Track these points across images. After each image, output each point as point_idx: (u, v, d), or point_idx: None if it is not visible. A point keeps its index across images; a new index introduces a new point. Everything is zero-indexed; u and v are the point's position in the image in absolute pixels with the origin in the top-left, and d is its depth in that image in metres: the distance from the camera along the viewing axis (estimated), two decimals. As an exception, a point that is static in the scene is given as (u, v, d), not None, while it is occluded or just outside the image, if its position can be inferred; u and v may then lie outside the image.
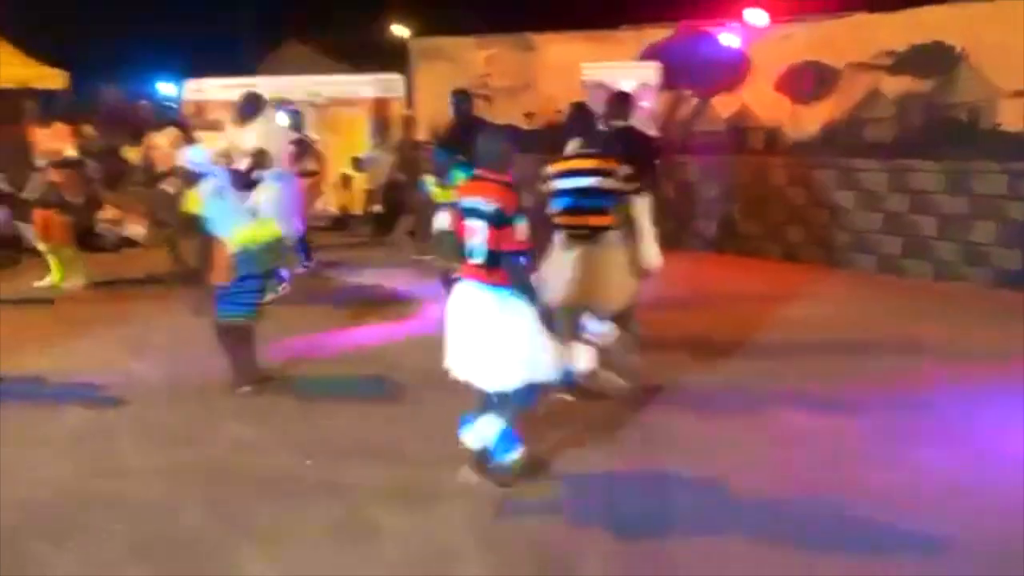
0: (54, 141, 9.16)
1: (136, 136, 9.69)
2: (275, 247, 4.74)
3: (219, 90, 10.36)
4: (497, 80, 10.48)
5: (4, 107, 11.03)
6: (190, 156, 4.79)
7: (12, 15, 12.85)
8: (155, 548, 3.09)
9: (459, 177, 5.14)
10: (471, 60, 10.85)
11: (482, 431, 3.42)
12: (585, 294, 4.21)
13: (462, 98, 6.07)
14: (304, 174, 7.45)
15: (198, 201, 4.77)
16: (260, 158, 5.78)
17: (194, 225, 4.87)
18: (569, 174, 4.25)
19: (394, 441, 3.96)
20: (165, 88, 14.48)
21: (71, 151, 8.75)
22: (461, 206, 3.40)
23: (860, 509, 3.22)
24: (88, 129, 10.02)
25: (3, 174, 6.62)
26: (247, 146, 5.83)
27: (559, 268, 4.22)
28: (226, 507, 3.37)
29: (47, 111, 10.80)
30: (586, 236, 4.22)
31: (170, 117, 10.26)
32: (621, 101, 4.97)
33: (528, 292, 3.33)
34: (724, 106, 11.02)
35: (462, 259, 3.41)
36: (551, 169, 4.32)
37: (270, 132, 6.33)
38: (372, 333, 5.88)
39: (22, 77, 12.26)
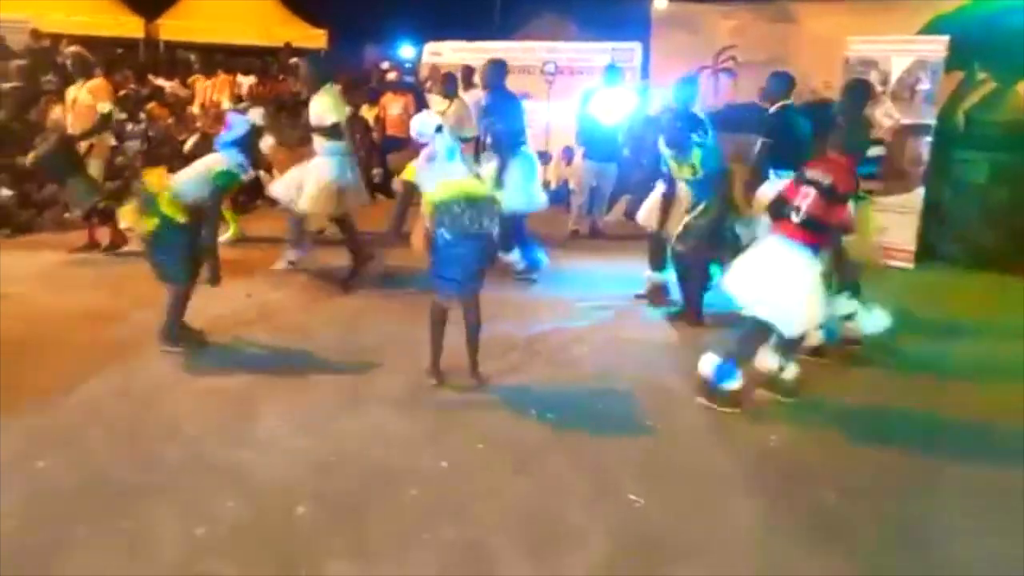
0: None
1: (374, 98, 10.09)
2: (479, 207, 4.17)
3: (454, 53, 10.43)
4: (743, 54, 9.51)
5: (274, 64, 12.01)
6: (417, 127, 4.43)
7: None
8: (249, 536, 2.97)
9: (697, 155, 5.16)
10: (717, 30, 9.97)
11: (763, 362, 4.18)
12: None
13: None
14: None
15: (412, 170, 4.49)
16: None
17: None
18: None
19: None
20: (405, 51, 14.99)
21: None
22: (803, 175, 4.05)
23: None
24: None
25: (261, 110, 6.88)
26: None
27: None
28: (339, 503, 3.20)
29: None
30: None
31: (405, 81, 10.58)
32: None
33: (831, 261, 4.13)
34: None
35: (779, 217, 4.04)
36: None
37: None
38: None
39: (289, 37, 13.30)
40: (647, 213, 5.80)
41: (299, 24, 14.90)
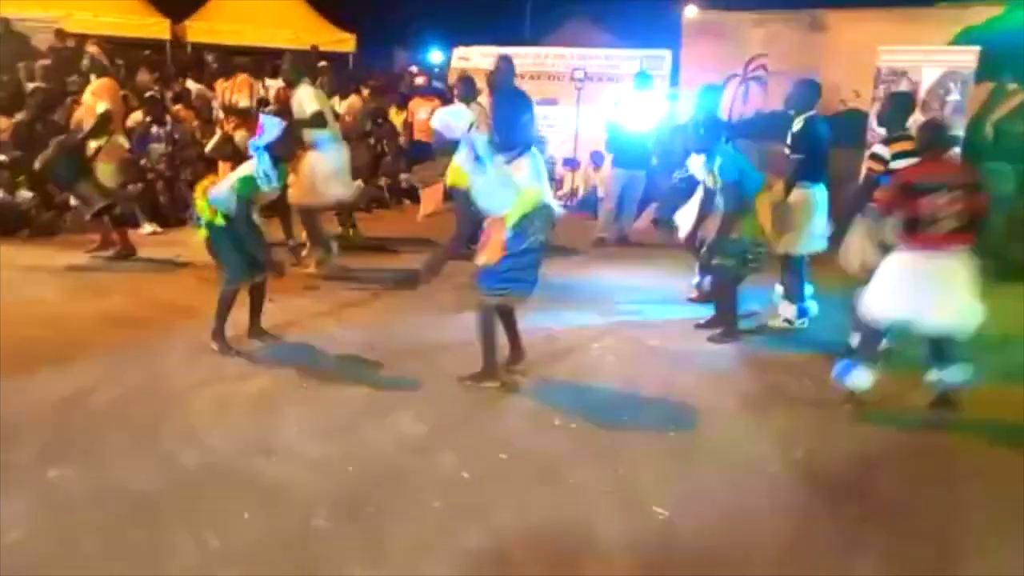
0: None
1: (402, 103, 10.10)
2: (545, 214, 4.24)
3: (483, 58, 10.42)
4: (774, 62, 9.41)
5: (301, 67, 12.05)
6: (443, 121, 4.28)
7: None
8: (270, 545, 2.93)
9: (717, 163, 5.09)
10: (748, 38, 9.88)
11: (952, 374, 4.12)
12: None
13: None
14: None
15: (462, 173, 4.14)
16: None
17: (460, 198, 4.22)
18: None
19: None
20: (434, 56, 14.97)
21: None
22: (916, 184, 3.97)
23: None
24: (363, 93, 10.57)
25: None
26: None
27: None
28: (358, 514, 3.16)
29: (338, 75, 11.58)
30: None
31: (434, 86, 10.57)
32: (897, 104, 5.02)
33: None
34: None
35: (912, 235, 3.97)
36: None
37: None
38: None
39: (318, 40, 13.32)
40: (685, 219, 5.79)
41: (328, 28, 14.96)
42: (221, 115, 7.70)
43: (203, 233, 4.69)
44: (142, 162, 8.15)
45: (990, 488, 3.56)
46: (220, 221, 4.60)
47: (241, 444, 3.65)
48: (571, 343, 5.19)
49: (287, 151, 4.80)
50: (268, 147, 4.57)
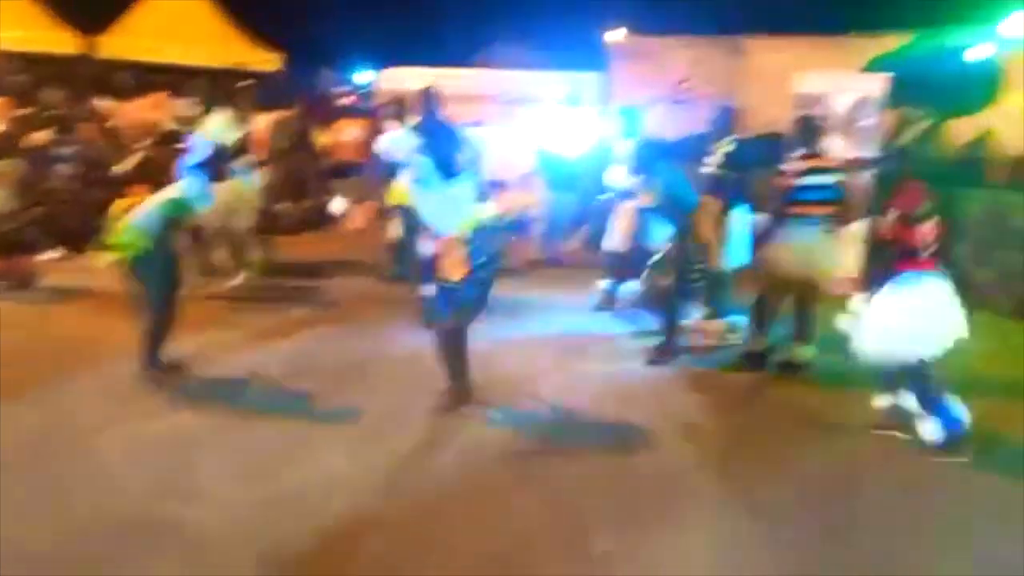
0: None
1: (328, 122, 9.89)
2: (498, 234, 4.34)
3: (411, 80, 10.30)
4: (699, 85, 9.64)
5: (221, 88, 11.70)
6: (390, 145, 4.40)
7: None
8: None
9: (658, 184, 5.21)
10: (674, 61, 10.09)
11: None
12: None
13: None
14: None
15: (405, 194, 4.29)
16: None
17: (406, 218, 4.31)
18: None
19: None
20: (362, 76, 14.80)
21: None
22: (915, 216, 3.99)
23: None
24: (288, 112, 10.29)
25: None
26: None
27: None
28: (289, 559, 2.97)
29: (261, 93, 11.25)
30: None
31: (361, 107, 10.42)
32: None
33: None
34: (963, 130, 9.41)
35: (904, 262, 3.98)
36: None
37: None
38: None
39: (241, 58, 12.95)
40: (611, 237, 6.08)
41: (252, 46, 14.56)
42: (136, 135, 7.35)
43: (116, 259, 4.42)
44: (47, 183, 7.69)
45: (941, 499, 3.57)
46: (143, 247, 4.34)
47: (155, 490, 3.41)
48: (507, 365, 5.10)
49: (219, 172, 4.63)
50: (200, 167, 4.38)
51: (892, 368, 4.10)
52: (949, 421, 3.96)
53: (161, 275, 4.44)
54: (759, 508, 3.50)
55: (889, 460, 4.00)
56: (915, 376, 4.03)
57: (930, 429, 3.99)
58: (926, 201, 4.06)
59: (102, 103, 10.02)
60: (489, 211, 4.35)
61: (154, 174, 6.38)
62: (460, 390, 4.35)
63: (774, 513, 3.46)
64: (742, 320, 5.70)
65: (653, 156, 5.33)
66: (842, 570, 3.08)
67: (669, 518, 3.39)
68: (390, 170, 4.25)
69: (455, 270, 4.12)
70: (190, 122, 7.77)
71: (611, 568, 3.02)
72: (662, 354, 5.32)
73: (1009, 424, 4.37)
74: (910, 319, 3.95)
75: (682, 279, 5.25)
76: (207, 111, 6.24)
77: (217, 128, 6.05)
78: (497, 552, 3.09)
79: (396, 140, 4.44)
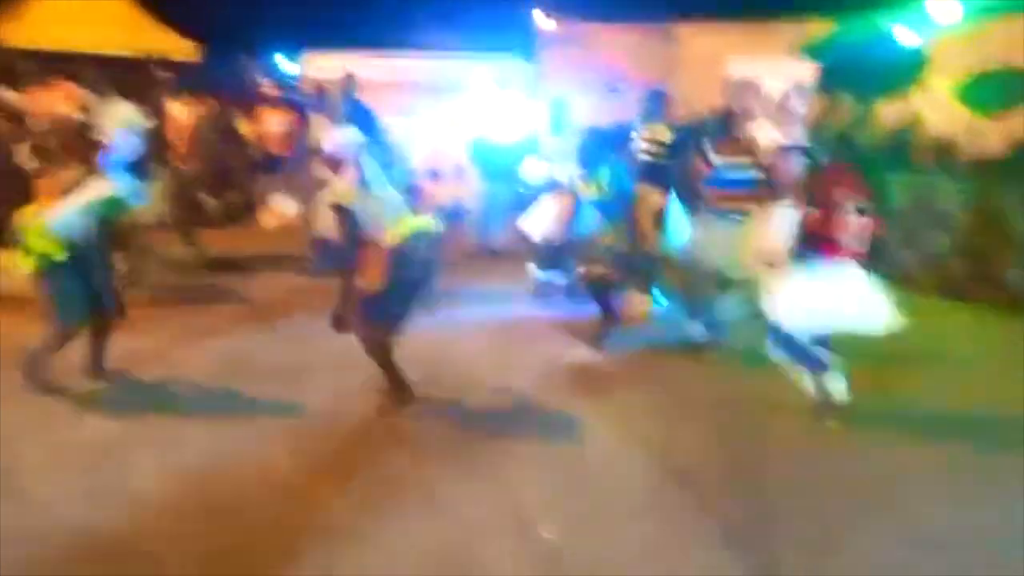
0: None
1: (251, 112, 9.46)
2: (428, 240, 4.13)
3: (335, 66, 9.96)
4: (633, 72, 9.56)
5: (136, 77, 11.11)
6: (336, 143, 4.16)
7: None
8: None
9: (605, 174, 5.19)
10: (607, 48, 10.01)
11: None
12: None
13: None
14: None
15: (348, 192, 4.05)
16: None
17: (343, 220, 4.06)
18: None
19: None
20: (283, 63, 14.33)
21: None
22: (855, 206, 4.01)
23: None
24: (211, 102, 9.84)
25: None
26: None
27: None
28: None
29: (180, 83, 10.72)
30: None
31: (286, 96, 10.00)
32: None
33: None
34: (890, 114, 9.59)
35: (836, 248, 4.03)
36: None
37: None
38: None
39: (155, 47, 12.37)
40: (534, 222, 6.18)
41: (167, 34, 13.90)
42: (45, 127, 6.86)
43: (29, 266, 4.04)
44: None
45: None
46: (59, 254, 3.98)
47: (82, 501, 3.19)
48: (445, 356, 5.06)
49: (148, 173, 4.33)
50: (125, 164, 4.13)
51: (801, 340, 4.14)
52: (815, 365, 4.17)
53: (72, 289, 4.07)
54: (689, 482, 3.57)
55: (813, 433, 4.15)
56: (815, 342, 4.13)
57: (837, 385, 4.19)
58: (861, 194, 4.06)
59: (5, 93, 9.39)
60: (422, 221, 4.19)
61: (64, 169, 6.02)
62: (400, 392, 4.23)
63: (704, 486, 3.55)
64: (664, 298, 5.80)
65: (599, 147, 5.31)
66: (766, 538, 3.14)
67: (611, 502, 3.39)
68: (332, 166, 4.07)
69: (372, 278, 3.96)
70: (99, 114, 7.31)
71: (555, 554, 2.98)
72: (599, 339, 5.32)
73: (927, 392, 4.71)
74: (822, 298, 4.05)
75: (618, 267, 5.21)
76: (114, 102, 5.78)
77: (126, 119, 5.61)
78: (444, 542, 3.03)
79: (343, 137, 4.23)
